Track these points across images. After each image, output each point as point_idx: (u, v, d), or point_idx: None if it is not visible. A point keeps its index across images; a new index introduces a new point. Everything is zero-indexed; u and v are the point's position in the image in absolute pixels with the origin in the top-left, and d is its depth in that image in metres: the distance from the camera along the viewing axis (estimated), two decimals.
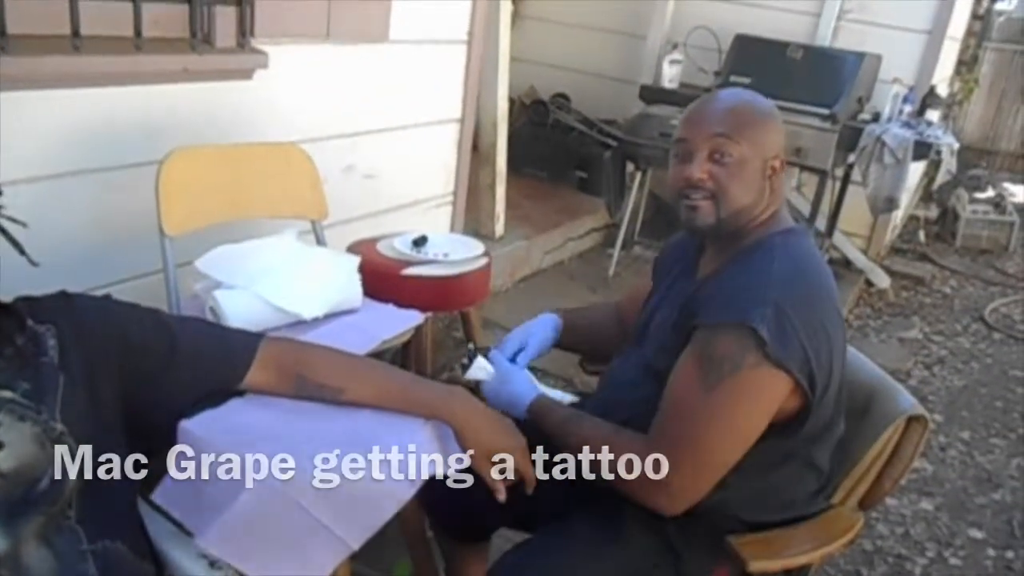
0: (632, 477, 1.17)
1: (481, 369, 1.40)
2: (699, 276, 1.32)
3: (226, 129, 1.96)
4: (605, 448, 1.21)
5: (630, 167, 3.69)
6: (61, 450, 0.98)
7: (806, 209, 3.75)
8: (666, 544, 1.22)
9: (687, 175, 1.24)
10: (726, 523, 1.22)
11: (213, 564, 1.08)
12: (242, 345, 1.18)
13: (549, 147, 4.37)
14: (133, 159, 1.75)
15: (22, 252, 1.03)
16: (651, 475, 1.15)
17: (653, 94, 3.86)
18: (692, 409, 1.16)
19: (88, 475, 0.99)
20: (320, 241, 1.89)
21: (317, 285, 1.56)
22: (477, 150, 3.16)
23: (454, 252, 1.97)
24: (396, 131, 2.60)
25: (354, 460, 1.08)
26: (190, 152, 1.64)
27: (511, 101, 3.50)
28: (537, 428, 1.28)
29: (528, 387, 1.35)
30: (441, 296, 1.88)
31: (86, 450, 1.00)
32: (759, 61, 3.69)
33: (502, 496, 1.17)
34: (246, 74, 2.00)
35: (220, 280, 1.52)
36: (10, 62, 1.51)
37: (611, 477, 1.19)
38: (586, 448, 1.22)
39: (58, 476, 0.97)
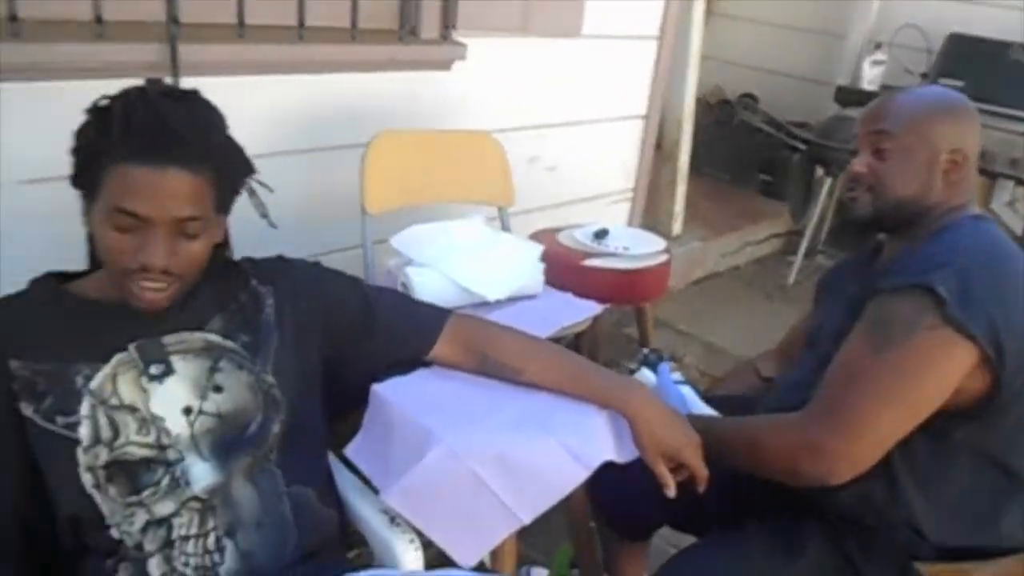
0: (785, 443, 1.12)
1: (644, 379, 1.40)
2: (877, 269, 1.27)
3: (423, 117, 2.07)
4: (759, 427, 1.18)
5: (819, 172, 3.52)
6: (269, 400, 1.07)
7: (1019, 227, 3.42)
8: (845, 560, 1.16)
9: (850, 169, 1.28)
10: (913, 545, 1.13)
11: (393, 520, 1.14)
12: (432, 318, 1.24)
13: (732, 148, 4.24)
14: (339, 141, 1.88)
15: (265, 215, 1.13)
16: (807, 438, 1.10)
17: (850, 96, 3.65)
18: (856, 372, 1.10)
19: (289, 426, 1.09)
20: (506, 227, 1.94)
21: (501, 269, 1.61)
22: (659, 148, 3.13)
23: (635, 246, 1.97)
24: (581, 125, 2.62)
25: (532, 438, 1.12)
26: (395, 136, 1.74)
27: (696, 100, 3.44)
28: None
29: (683, 409, 1.31)
30: (619, 289, 1.89)
31: (290, 403, 1.09)
32: (974, 62, 3.40)
33: (671, 491, 1.16)
34: (445, 65, 2.10)
35: (412, 258, 1.60)
36: (250, 49, 1.67)
37: (767, 455, 1.15)
38: (742, 438, 1.20)
39: (265, 423, 1.06)
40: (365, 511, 1.18)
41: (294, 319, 1.15)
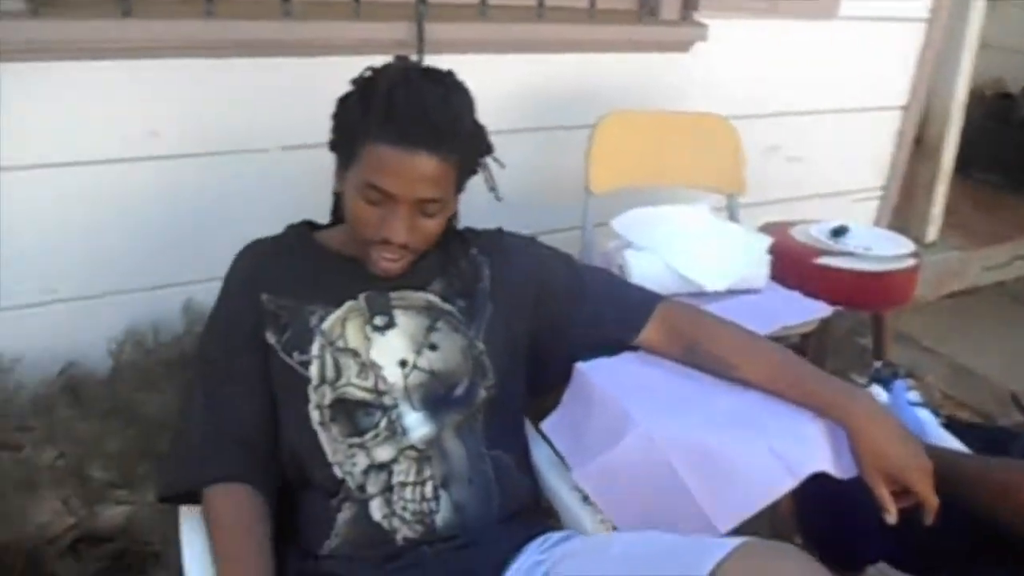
0: None
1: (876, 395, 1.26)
2: None
3: (657, 98, 2.02)
4: (1018, 473, 1.01)
5: None
6: (478, 366, 1.10)
7: None
8: None
9: None
10: None
11: (586, 498, 1.12)
12: (642, 302, 1.21)
13: (1010, 149, 3.74)
14: (569, 121, 1.89)
15: (493, 189, 1.17)
16: None
17: None
18: None
19: (493, 394, 1.11)
20: (733, 217, 1.85)
21: (724, 259, 1.54)
22: (920, 143, 2.83)
23: (878, 247, 1.79)
24: (829, 114, 2.43)
25: (737, 437, 1.05)
26: (624, 116, 1.72)
27: (969, 92, 3.07)
28: None
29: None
30: (855, 292, 1.73)
31: (496, 371, 1.11)
32: None
33: (892, 517, 1.03)
34: (684, 46, 2.03)
35: (631, 241, 1.57)
36: (492, 28, 1.72)
37: None
38: (993, 481, 1.03)
39: (471, 387, 1.09)
40: (558, 486, 1.17)
41: (508, 291, 1.17)
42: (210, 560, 1.01)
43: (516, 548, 1.04)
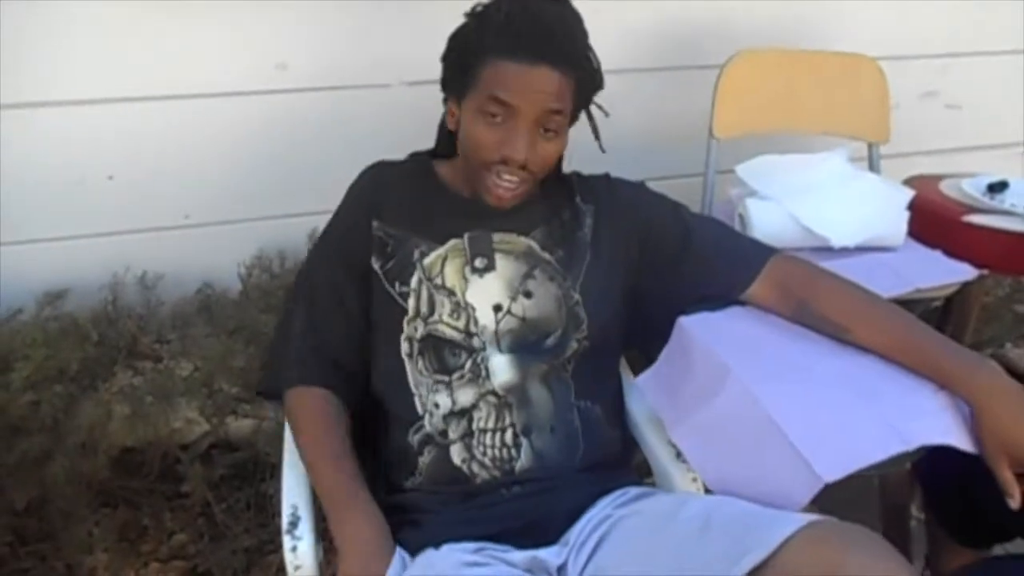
0: None
1: None
2: None
3: (796, 39, 1.87)
4: None
5: None
6: (571, 316, 1.09)
7: None
8: None
9: None
10: None
11: (679, 455, 1.10)
12: (752, 255, 1.15)
13: None
14: (696, 61, 1.79)
15: (597, 137, 1.14)
16: None
17: None
18: None
19: (587, 344, 1.09)
20: (873, 167, 1.71)
21: (856, 213, 1.43)
22: None
23: None
24: (1001, 56, 2.18)
25: (843, 402, 0.99)
26: (755, 55, 1.61)
27: None
28: None
29: None
30: (1009, 255, 1.56)
31: (591, 322, 1.09)
32: None
33: (1016, 501, 0.95)
34: None
35: (756, 189, 1.49)
36: None
37: None
38: None
39: (563, 337, 1.08)
40: (652, 440, 1.15)
41: (611, 239, 1.14)
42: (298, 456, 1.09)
43: (594, 498, 1.04)
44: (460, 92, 1.05)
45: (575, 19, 1.04)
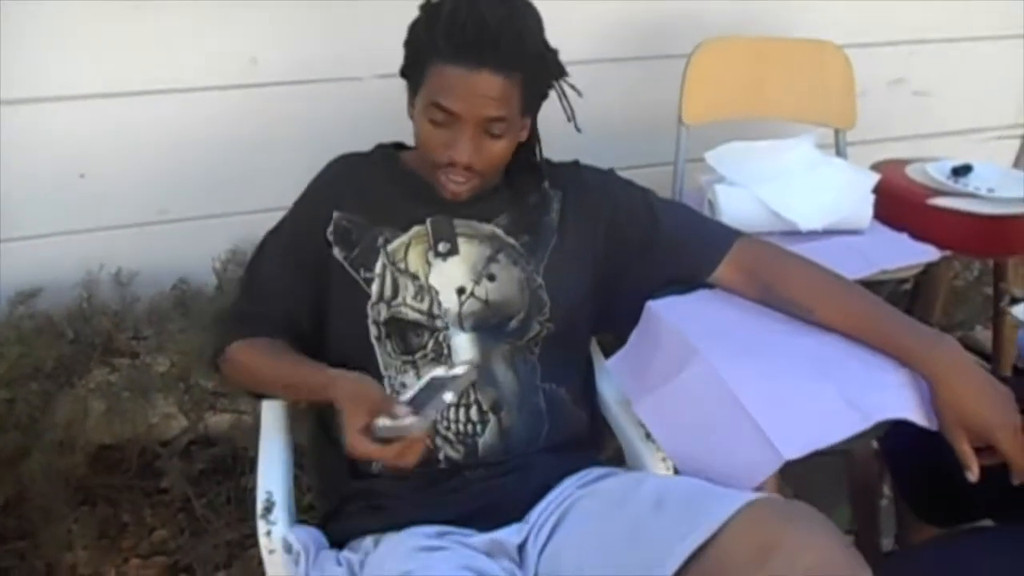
0: None
1: None
2: None
3: (764, 27, 1.89)
4: None
5: None
6: (535, 300, 1.10)
7: None
8: None
9: None
10: None
11: (648, 436, 1.11)
12: (718, 238, 1.17)
13: None
14: (665, 51, 1.80)
15: (571, 118, 1.14)
16: None
17: None
18: None
19: (551, 327, 1.10)
20: (840, 152, 1.74)
21: (822, 197, 1.45)
22: None
23: (1003, 188, 1.63)
24: (967, 42, 2.22)
25: (805, 380, 1.01)
26: (724, 43, 1.64)
27: None
28: None
29: None
30: (971, 237, 1.59)
31: (554, 305, 1.11)
32: None
33: (973, 475, 0.97)
34: None
35: (725, 175, 1.51)
36: None
37: None
38: None
39: (526, 320, 1.10)
40: (622, 421, 1.17)
41: (577, 224, 1.15)
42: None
43: (557, 478, 1.05)
44: (413, 87, 1.06)
45: (525, 15, 1.03)
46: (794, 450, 0.97)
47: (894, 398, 1.00)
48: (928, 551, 1.10)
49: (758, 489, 1.05)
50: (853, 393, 0.99)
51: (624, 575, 0.86)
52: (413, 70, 1.05)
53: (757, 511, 0.85)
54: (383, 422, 0.86)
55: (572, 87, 1.12)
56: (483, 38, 0.97)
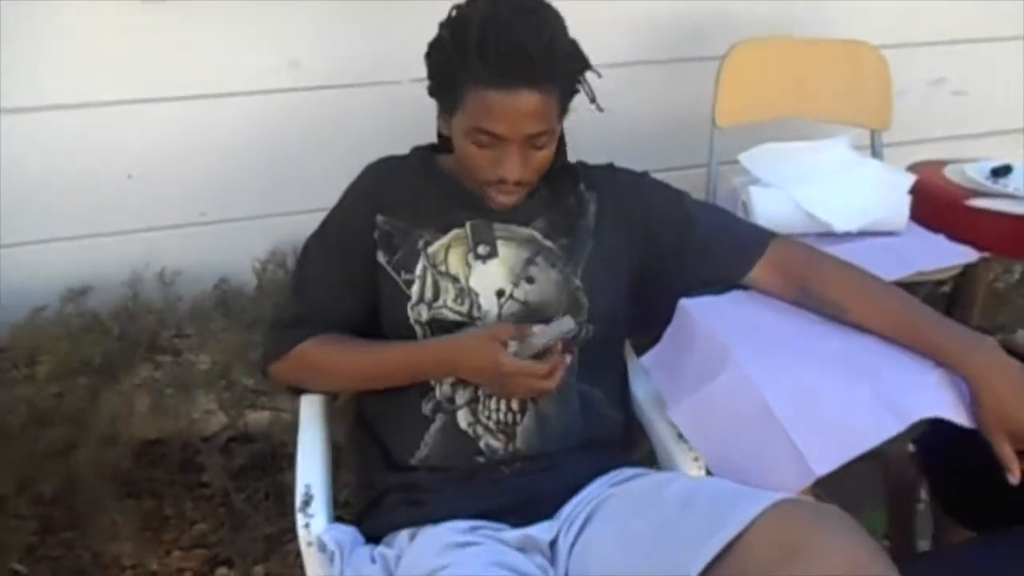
0: None
1: None
2: None
3: (801, 28, 1.88)
4: None
5: None
6: (573, 301, 1.11)
7: None
8: None
9: None
10: None
11: (680, 436, 1.12)
12: (753, 240, 1.17)
13: None
14: (700, 52, 1.81)
15: (593, 99, 1.11)
16: None
17: None
18: None
19: (588, 329, 1.12)
20: (876, 153, 1.73)
21: (858, 198, 1.44)
22: None
23: None
24: (1005, 42, 2.18)
25: (840, 381, 1.01)
26: (758, 44, 1.63)
27: None
28: None
29: None
30: (1010, 238, 1.57)
31: (592, 307, 1.12)
32: None
33: (1015, 477, 0.97)
34: None
35: (759, 176, 1.51)
36: None
37: None
38: None
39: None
40: (655, 421, 1.18)
41: (613, 227, 1.16)
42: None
43: (590, 477, 1.06)
44: (447, 108, 1.06)
45: (552, 24, 1.02)
46: (826, 466, 0.99)
47: (930, 397, 1.00)
48: (960, 551, 1.10)
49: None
50: (889, 394, 0.98)
51: (651, 574, 0.87)
52: (446, 92, 1.05)
53: (785, 512, 0.85)
54: (513, 347, 1.01)
55: (595, 70, 1.10)
56: (519, 59, 0.97)
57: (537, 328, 1.03)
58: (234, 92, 1.64)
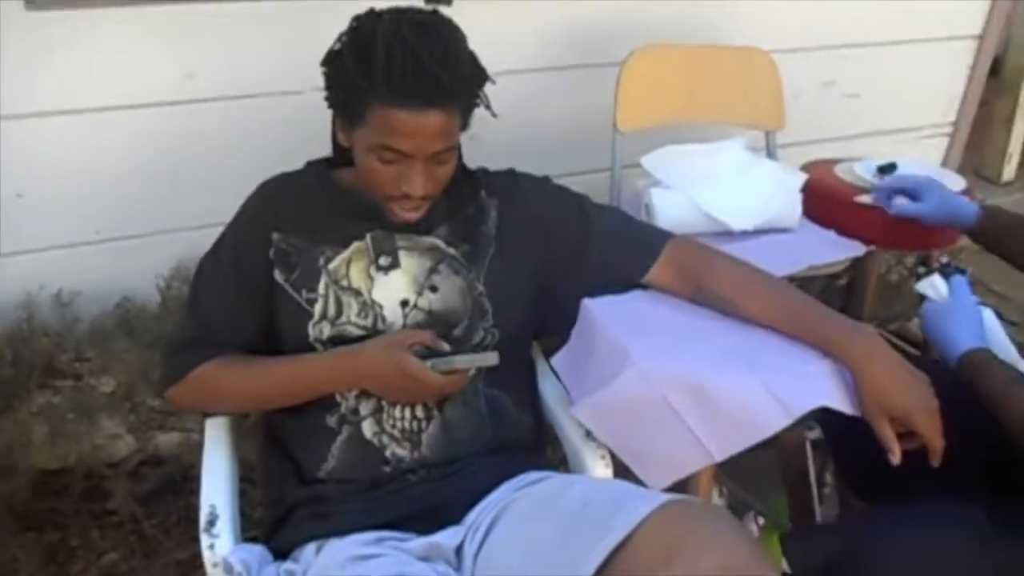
0: None
1: (932, 287, 1.19)
2: None
3: (699, 35, 1.95)
4: None
5: None
6: (477, 307, 1.12)
7: None
8: None
9: None
10: None
11: (589, 434, 1.14)
12: (651, 241, 1.20)
13: None
14: (601, 59, 1.85)
15: (488, 106, 1.09)
16: None
17: None
18: None
19: (493, 334, 1.13)
20: (771, 154, 1.79)
21: (752, 198, 1.50)
22: (997, 75, 2.66)
23: None
24: (894, 46, 2.31)
25: (733, 375, 1.05)
26: (656, 50, 1.68)
27: None
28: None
29: (974, 332, 1.11)
30: (894, 232, 1.65)
31: (496, 312, 1.13)
32: None
33: (895, 458, 1.02)
34: None
35: (660, 178, 1.55)
36: None
37: None
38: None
39: (470, 327, 1.12)
40: (563, 421, 1.19)
41: (515, 232, 1.18)
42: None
43: (497, 481, 1.07)
44: (349, 121, 1.04)
45: (455, 42, 1.01)
46: (724, 451, 1.05)
47: (817, 388, 1.04)
48: (841, 524, 1.14)
49: (692, 480, 1.10)
50: (776, 386, 1.03)
51: (553, 573, 0.88)
52: (349, 107, 1.03)
53: (669, 513, 0.88)
54: (431, 363, 1.03)
55: (488, 107, 1.10)
56: (425, 80, 0.97)
57: (461, 358, 1.05)
58: (128, 105, 1.60)
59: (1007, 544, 0.98)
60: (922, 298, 1.20)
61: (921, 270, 1.21)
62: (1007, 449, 1.01)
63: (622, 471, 1.12)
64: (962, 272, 1.20)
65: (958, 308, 1.15)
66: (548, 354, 1.25)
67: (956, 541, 0.99)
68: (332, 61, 1.04)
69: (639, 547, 0.85)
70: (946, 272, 1.20)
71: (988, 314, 1.18)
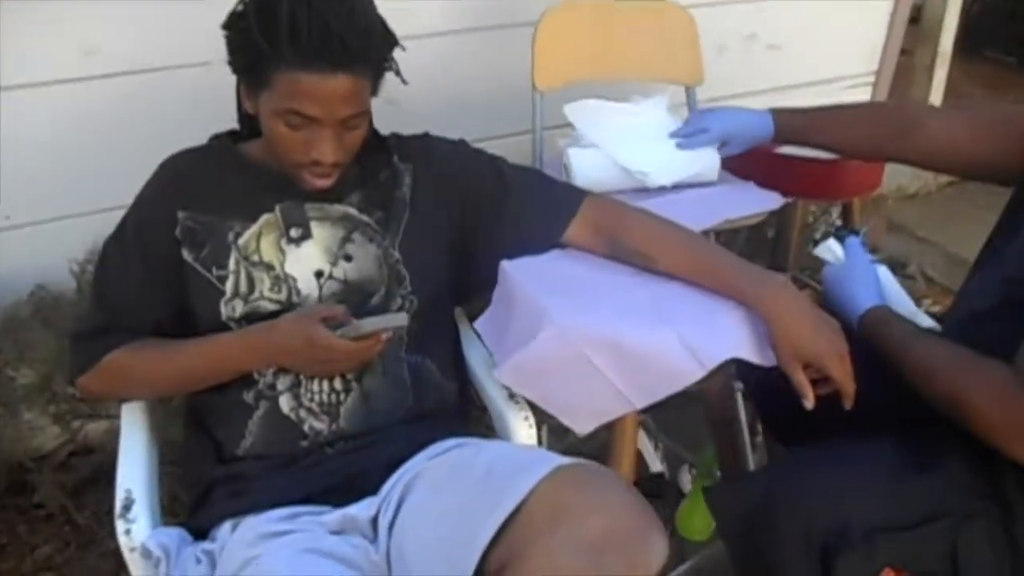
0: (989, 414, 0.94)
1: (829, 251, 1.24)
2: None
3: None
4: (955, 375, 0.99)
5: None
6: (394, 274, 1.11)
7: None
8: (996, 498, 0.97)
9: None
10: None
11: (512, 396, 1.15)
12: (566, 200, 1.20)
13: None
14: (516, 19, 1.82)
15: (397, 72, 1.08)
16: (1016, 414, 0.92)
17: None
18: None
19: (412, 300, 1.12)
20: (692, 109, 1.79)
21: (672, 153, 1.50)
22: (917, 23, 2.70)
23: None
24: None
25: (648, 328, 1.05)
26: (568, 7, 1.65)
27: None
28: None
29: (872, 291, 1.16)
30: (814, 182, 1.68)
31: (414, 278, 1.12)
32: None
33: (809, 403, 1.05)
34: None
35: (580, 129, 1.53)
36: None
37: (959, 413, 0.97)
38: (929, 372, 1.02)
39: (388, 295, 1.11)
40: (487, 383, 1.20)
41: (430, 196, 1.16)
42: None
43: (414, 451, 1.07)
44: (253, 87, 1.01)
45: (360, 4, 0.99)
46: (644, 399, 1.07)
47: (730, 339, 1.06)
48: (762, 471, 1.17)
49: (618, 424, 1.11)
50: (690, 337, 1.04)
51: (455, 545, 0.89)
52: (253, 72, 0.99)
53: (557, 479, 0.88)
54: (339, 331, 1.00)
55: (398, 73, 1.08)
56: (331, 42, 0.94)
57: (369, 320, 1.02)
58: (26, 83, 1.53)
59: (917, 474, 1.01)
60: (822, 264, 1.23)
61: (818, 237, 1.24)
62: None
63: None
64: (856, 233, 1.24)
65: (854, 268, 1.19)
66: (473, 319, 1.25)
67: (868, 476, 1.02)
68: (235, 24, 1.00)
69: (532, 512, 0.86)
70: (840, 235, 1.23)
71: (883, 270, 1.22)
